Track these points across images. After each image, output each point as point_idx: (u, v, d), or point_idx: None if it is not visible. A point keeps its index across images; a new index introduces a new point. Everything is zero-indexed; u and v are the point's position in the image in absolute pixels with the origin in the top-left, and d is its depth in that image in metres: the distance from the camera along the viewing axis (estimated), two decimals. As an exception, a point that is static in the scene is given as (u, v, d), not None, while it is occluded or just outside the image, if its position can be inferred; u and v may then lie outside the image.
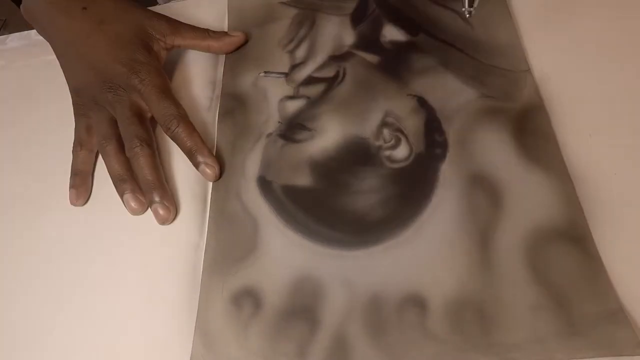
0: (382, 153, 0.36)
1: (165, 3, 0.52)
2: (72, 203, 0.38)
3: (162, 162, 0.39)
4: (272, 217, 0.35)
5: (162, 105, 0.38)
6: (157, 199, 0.36)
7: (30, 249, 0.37)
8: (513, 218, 0.32)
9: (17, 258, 0.37)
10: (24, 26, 0.48)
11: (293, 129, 0.38)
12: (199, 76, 0.44)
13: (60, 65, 0.43)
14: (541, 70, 0.37)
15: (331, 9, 0.45)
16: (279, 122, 0.39)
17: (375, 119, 0.38)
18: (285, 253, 0.33)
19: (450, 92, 0.38)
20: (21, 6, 0.45)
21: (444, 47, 0.40)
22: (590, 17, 0.40)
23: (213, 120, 0.41)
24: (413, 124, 0.37)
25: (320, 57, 0.42)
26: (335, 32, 0.43)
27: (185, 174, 0.38)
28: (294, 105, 0.40)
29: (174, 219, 0.36)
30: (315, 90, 0.40)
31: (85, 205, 0.39)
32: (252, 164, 0.37)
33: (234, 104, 0.41)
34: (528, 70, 0.37)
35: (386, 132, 0.37)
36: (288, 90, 0.41)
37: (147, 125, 0.39)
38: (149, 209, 0.37)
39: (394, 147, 0.36)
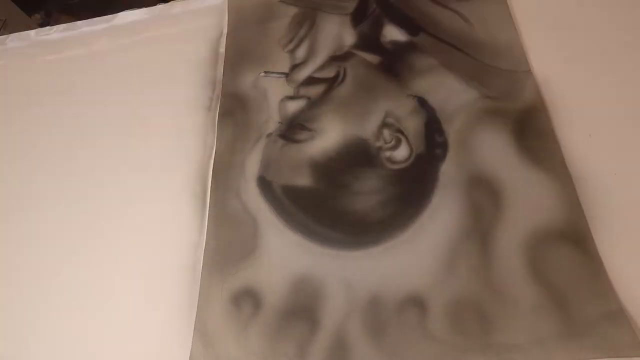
0: (382, 154, 0.36)
1: (166, 2, 0.52)
2: None
3: (161, 163, 0.39)
4: (272, 217, 0.35)
5: None
6: None
7: (30, 249, 0.37)
8: (513, 218, 0.32)
9: (17, 257, 0.37)
10: (24, 26, 0.48)
11: (293, 129, 0.38)
12: (199, 77, 0.44)
13: None
14: (542, 71, 0.37)
15: (331, 8, 0.45)
16: (279, 122, 0.39)
17: (375, 120, 0.37)
18: (285, 253, 0.33)
19: (450, 92, 0.38)
20: None
21: (445, 47, 0.40)
22: (591, 18, 0.39)
23: (213, 120, 0.41)
24: (413, 124, 0.37)
25: (320, 57, 0.42)
26: (336, 32, 0.43)
27: (185, 174, 0.38)
28: (294, 106, 0.40)
29: None
30: (315, 90, 0.40)
31: (85, 206, 0.39)
32: (252, 164, 0.37)
33: (234, 104, 0.41)
34: (529, 71, 0.37)
35: (386, 132, 0.37)
36: (288, 90, 0.41)
37: None
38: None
39: (394, 147, 0.36)
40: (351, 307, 0.30)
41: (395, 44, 0.41)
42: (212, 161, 0.38)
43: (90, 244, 0.37)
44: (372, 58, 0.41)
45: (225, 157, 0.38)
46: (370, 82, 0.40)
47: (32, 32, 0.50)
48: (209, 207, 0.36)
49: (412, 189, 0.34)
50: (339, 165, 0.36)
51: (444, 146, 0.35)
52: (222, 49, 0.45)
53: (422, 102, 0.38)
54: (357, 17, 0.44)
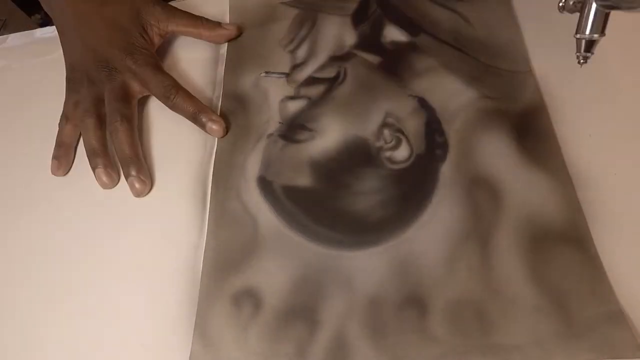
0: (382, 154, 0.36)
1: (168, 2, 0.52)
2: (53, 173, 0.40)
3: (161, 163, 0.39)
4: (272, 218, 0.35)
5: (158, 79, 0.40)
6: (133, 172, 0.38)
7: (29, 249, 0.37)
8: (513, 218, 0.32)
9: (16, 257, 0.37)
10: (24, 26, 0.48)
11: (294, 129, 0.38)
12: (199, 77, 0.44)
13: (60, 41, 0.44)
14: (542, 71, 0.37)
15: (332, 9, 0.45)
16: (279, 122, 0.39)
17: (375, 120, 0.38)
18: (285, 253, 0.33)
19: (451, 92, 0.38)
20: None
21: (445, 47, 0.40)
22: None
23: (213, 121, 0.41)
24: (413, 124, 0.37)
25: (321, 58, 0.42)
26: (336, 32, 0.43)
27: (185, 174, 0.38)
28: (294, 106, 0.40)
29: (149, 191, 0.38)
30: (316, 90, 0.40)
31: (85, 206, 0.39)
32: (252, 164, 0.37)
33: (235, 104, 0.41)
34: (529, 71, 0.37)
35: (387, 132, 0.37)
36: (289, 90, 0.41)
37: (132, 104, 0.41)
38: (126, 181, 0.38)
39: (395, 147, 0.36)
40: (351, 308, 0.30)
41: (396, 44, 0.41)
42: (212, 161, 0.38)
43: (90, 243, 0.37)
44: (373, 58, 0.41)
45: (226, 158, 0.38)
46: (370, 82, 0.40)
47: (32, 32, 0.50)
48: (209, 207, 0.36)
49: (412, 189, 0.34)
50: (339, 166, 0.36)
51: (444, 146, 0.35)
52: (223, 50, 0.45)
53: (423, 102, 0.38)
54: (358, 18, 0.44)
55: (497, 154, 0.34)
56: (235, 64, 0.43)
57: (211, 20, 0.45)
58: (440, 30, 0.41)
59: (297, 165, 0.37)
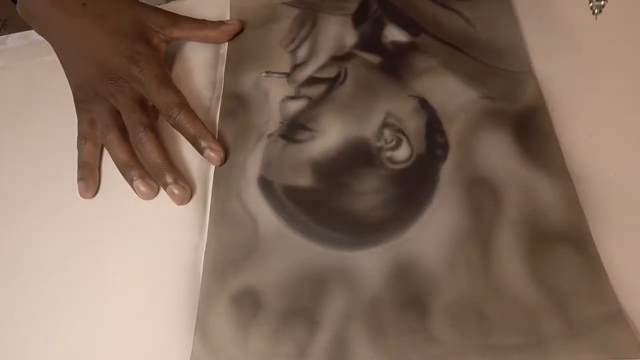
0: (383, 154, 0.36)
1: (166, 3, 0.52)
2: (81, 195, 0.39)
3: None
4: (273, 218, 0.35)
5: (163, 94, 0.39)
6: (170, 180, 0.37)
7: (29, 249, 0.37)
8: (513, 219, 0.32)
9: (16, 257, 0.37)
10: (24, 26, 0.48)
11: (294, 129, 0.38)
12: (199, 77, 0.44)
13: (61, 62, 0.43)
14: (543, 71, 0.37)
15: (333, 9, 0.45)
16: (280, 122, 0.39)
17: (376, 120, 0.38)
18: (285, 253, 0.33)
19: (451, 92, 0.38)
20: (17, 6, 0.45)
21: (446, 47, 0.40)
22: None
23: (214, 121, 0.41)
24: (414, 124, 0.37)
25: (321, 58, 0.42)
26: (337, 32, 0.43)
27: (185, 174, 0.38)
28: (295, 106, 0.40)
29: (190, 198, 0.37)
30: (316, 90, 0.40)
31: (84, 207, 0.39)
32: (252, 164, 0.37)
33: (235, 104, 0.41)
34: (529, 71, 0.37)
35: (387, 132, 0.37)
36: (289, 90, 0.41)
37: (149, 112, 0.40)
38: (165, 191, 0.37)
39: (395, 148, 0.36)
40: (352, 308, 0.30)
41: (397, 44, 0.41)
42: (212, 161, 0.38)
43: (90, 243, 0.37)
44: (373, 58, 0.41)
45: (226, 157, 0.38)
46: (371, 82, 0.40)
47: (32, 32, 0.50)
48: (210, 207, 0.36)
49: (412, 189, 0.34)
50: (339, 166, 0.36)
51: (445, 146, 0.35)
52: (223, 50, 0.45)
53: (423, 103, 0.38)
54: (359, 18, 0.44)
55: (498, 154, 0.34)
56: (235, 64, 0.43)
57: (214, 21, 0.44)
58: (440, 31, 0.41)
59: (298, 165, 0.37)
